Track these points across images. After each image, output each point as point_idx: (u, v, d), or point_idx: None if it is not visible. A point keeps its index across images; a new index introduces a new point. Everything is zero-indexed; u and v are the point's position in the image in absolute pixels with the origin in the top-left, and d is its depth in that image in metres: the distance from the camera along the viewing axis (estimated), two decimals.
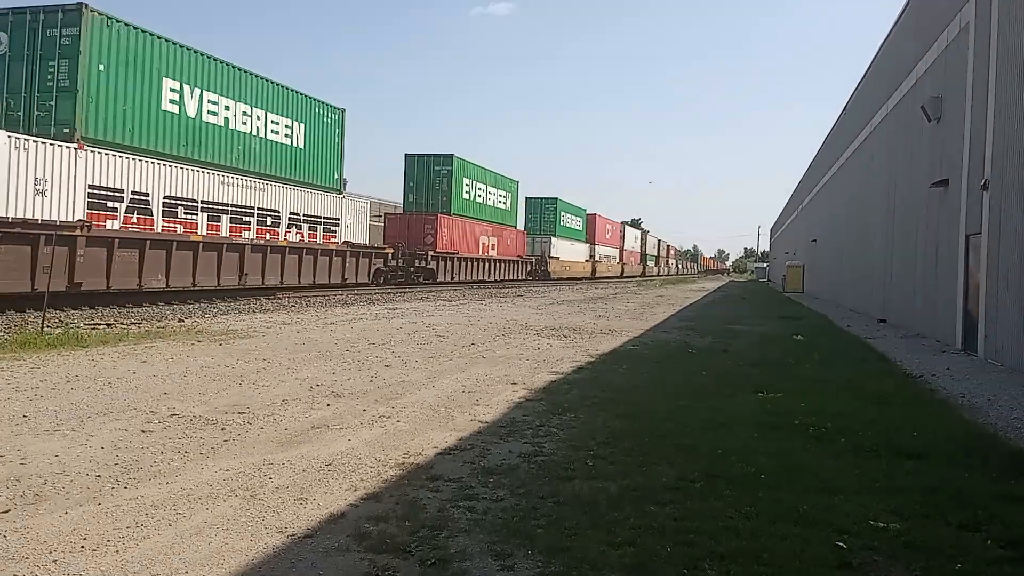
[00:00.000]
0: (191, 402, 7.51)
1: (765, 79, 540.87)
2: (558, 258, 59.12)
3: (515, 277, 50.76)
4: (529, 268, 53.83)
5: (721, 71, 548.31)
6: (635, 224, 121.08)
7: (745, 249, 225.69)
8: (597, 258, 71.65)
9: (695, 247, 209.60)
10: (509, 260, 49.15)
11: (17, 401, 7.23)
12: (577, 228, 66.19)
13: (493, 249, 45.92)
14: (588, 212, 70.54)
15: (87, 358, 9.97)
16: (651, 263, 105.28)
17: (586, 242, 68.71)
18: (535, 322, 18.52)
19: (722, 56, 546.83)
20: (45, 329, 12.59)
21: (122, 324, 14.82)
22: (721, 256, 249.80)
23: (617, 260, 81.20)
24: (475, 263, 42.94)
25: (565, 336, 15.39)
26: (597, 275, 71.11)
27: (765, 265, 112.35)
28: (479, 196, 44.37)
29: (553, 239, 58.89)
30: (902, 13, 21.78)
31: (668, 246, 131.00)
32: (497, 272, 47.02)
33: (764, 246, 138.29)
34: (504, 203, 49.20)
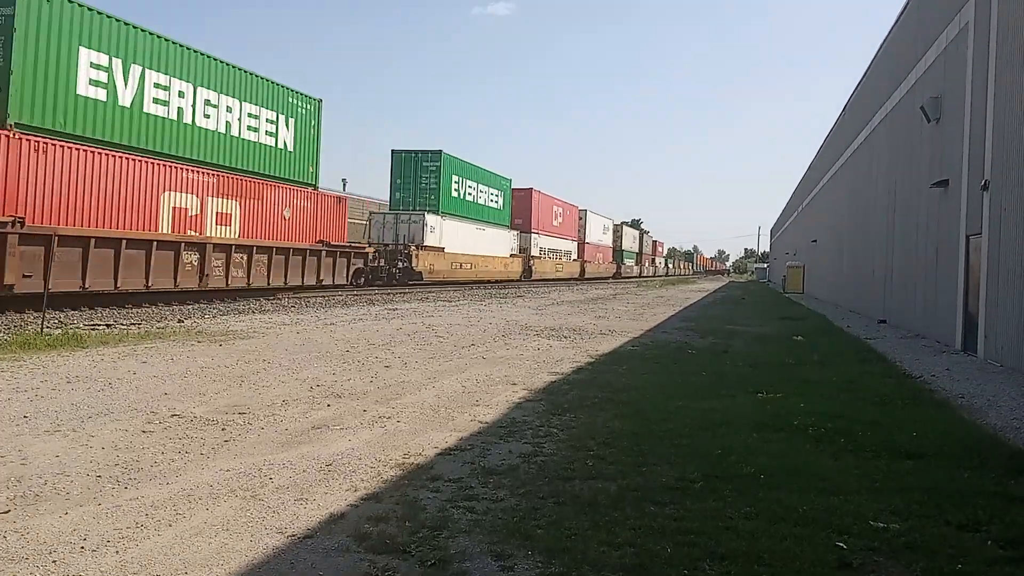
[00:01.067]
0: (191, 402, 7.51)
1: (766, 79, 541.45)
2: (441, 249, 37.00)
3: (311, 280, 25.68)
4: (358, 266, 29.26)
5: (721, 70, 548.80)
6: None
7: (745, 249, 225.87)
8: (535, 252, 51.32)
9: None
10: (286, 248, 24.38)
11: (17, 401, 7.23)
12: (492, 206, 44.67)
13: (227, 224, 21.95)
14: (518, 187, 49.63)
15: (87, 359, 9.98)
16: (629, 261, 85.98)
17: (511, 228, 47.54)
18: (535, 323, 18.52)
19: (722, 55, 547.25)
20: (45, 330, 12.59)
21: (122, 324, 14.83)
22: (721, 256, 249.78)
23: (574, 257, 61.91)
24: (138, 251, 18.47)
25: (565, 337, 15.40)
26: (535, 276, 50.93)
27: (765, 266, 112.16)
28: (159, 101, 19.74)
29: (431, 218, 36.11)
30: (902, 13, 21.79)
31: (655, 242, 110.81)
32: (239, 271, 22.14)
33: (764, 246, 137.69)
34: (273, 136, 24.51)
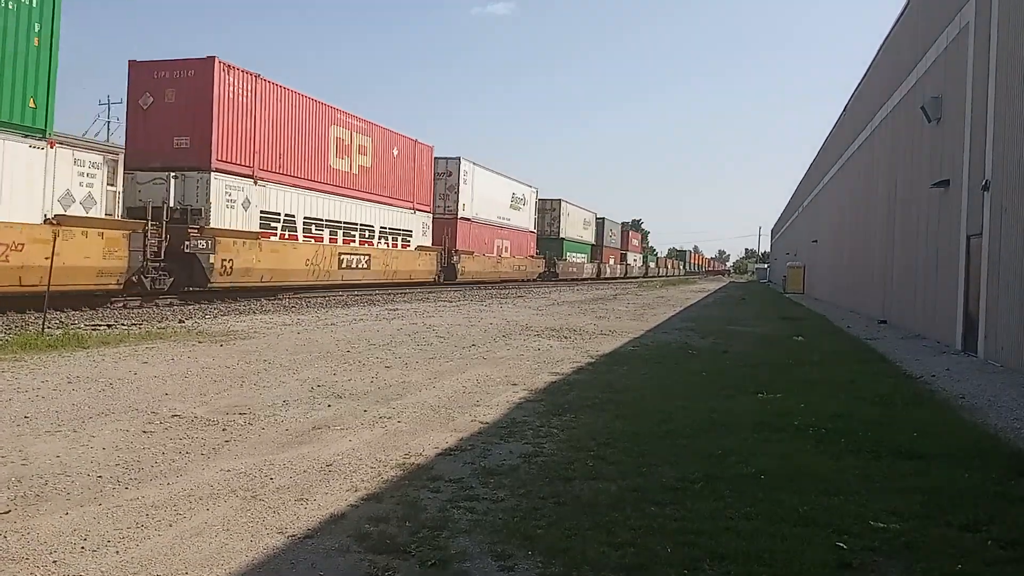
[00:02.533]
0: (192, 403, 7.52)
1: (766, 78, 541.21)
2: None
3: None
4: None
5: (722, 70, 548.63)
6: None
7: (746, 250, 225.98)
8: (231, 220, 21.39)
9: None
10: None
11: (18, 402, 7.23)
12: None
13: None
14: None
15: (88, 359, 9.98)
16: (577, 257, 60.80)
17: (67, 145, 16.64)
18: (535, 323, 18.52)
19: (722, 55, 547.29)
20: (45, 330, 12.60)
21: (122, 325, 14.83)
22: (722, 257, 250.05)
23: (420, 242, 33.31)
24: None
25: (565, 337, 15.40)
26: (224, 278, 20.89)
27: (766, 266, 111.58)
28: None
29: None
30: (902, 13, 21.79)
31: (627, 231, 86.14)
32: None
33: (765, 247, 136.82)
34: None
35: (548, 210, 55.81)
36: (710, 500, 4.85)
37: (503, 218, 44.28)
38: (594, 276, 66.72)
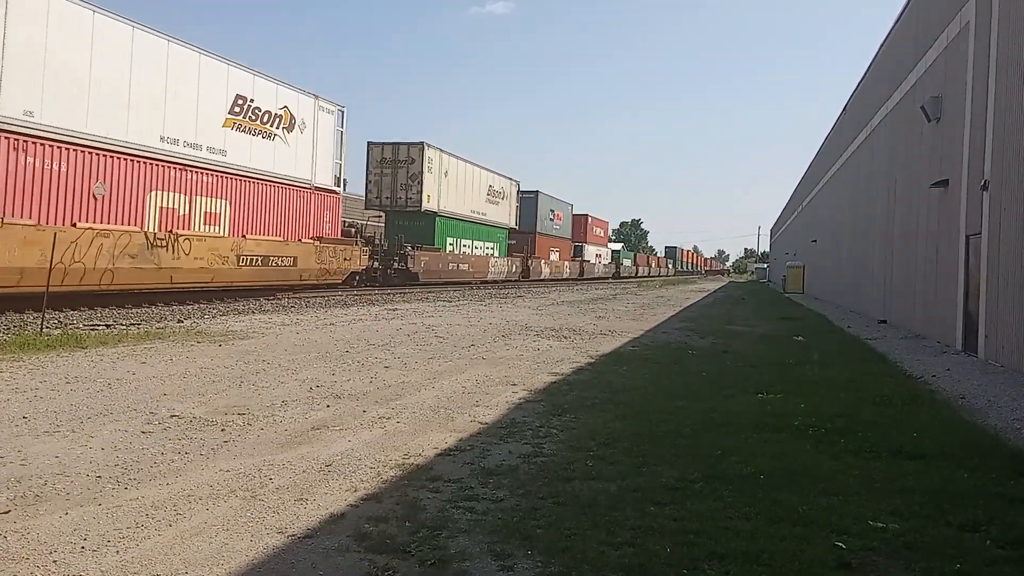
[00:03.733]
0: (191, 403, 7.51)
1: (766, 77, 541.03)
2: None
3: None
4: None
5: (721, 70, 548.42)
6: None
7: (745, 249, 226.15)
8: None
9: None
10: None
11: (17, 402, 7.22)
12: None
13: None
14: None
15: (86, 359, 9.97)
16: (472, 245, 38.21)
17: None
18: (535, 323, 18.52)
19: (721, 55, 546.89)
20: (44, 330, 12.59)
21: (121, 325, 14.82)
22: (721, 256, 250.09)
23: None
24: None
25: (565, 337, 15.40)
26: None
27: (765, 266, 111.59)
28: None
29: None
30: (902, 13, 21.80)
31: (584, 217, 62.31)
32: None
33: (764, 246, 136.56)
34: None
35: (399, 161, 32.27)
36: (710, 500, 4.85)
37: (213, 150, 20.30)
38: (515, 278, 44.18)
